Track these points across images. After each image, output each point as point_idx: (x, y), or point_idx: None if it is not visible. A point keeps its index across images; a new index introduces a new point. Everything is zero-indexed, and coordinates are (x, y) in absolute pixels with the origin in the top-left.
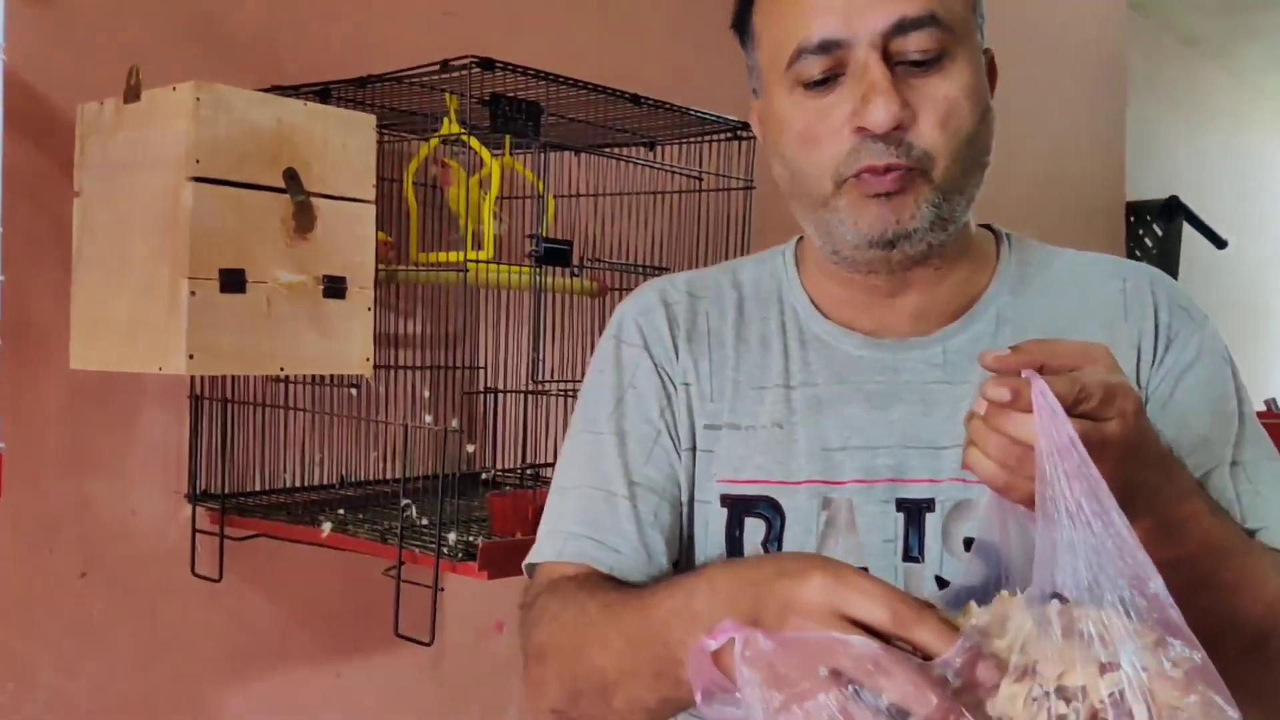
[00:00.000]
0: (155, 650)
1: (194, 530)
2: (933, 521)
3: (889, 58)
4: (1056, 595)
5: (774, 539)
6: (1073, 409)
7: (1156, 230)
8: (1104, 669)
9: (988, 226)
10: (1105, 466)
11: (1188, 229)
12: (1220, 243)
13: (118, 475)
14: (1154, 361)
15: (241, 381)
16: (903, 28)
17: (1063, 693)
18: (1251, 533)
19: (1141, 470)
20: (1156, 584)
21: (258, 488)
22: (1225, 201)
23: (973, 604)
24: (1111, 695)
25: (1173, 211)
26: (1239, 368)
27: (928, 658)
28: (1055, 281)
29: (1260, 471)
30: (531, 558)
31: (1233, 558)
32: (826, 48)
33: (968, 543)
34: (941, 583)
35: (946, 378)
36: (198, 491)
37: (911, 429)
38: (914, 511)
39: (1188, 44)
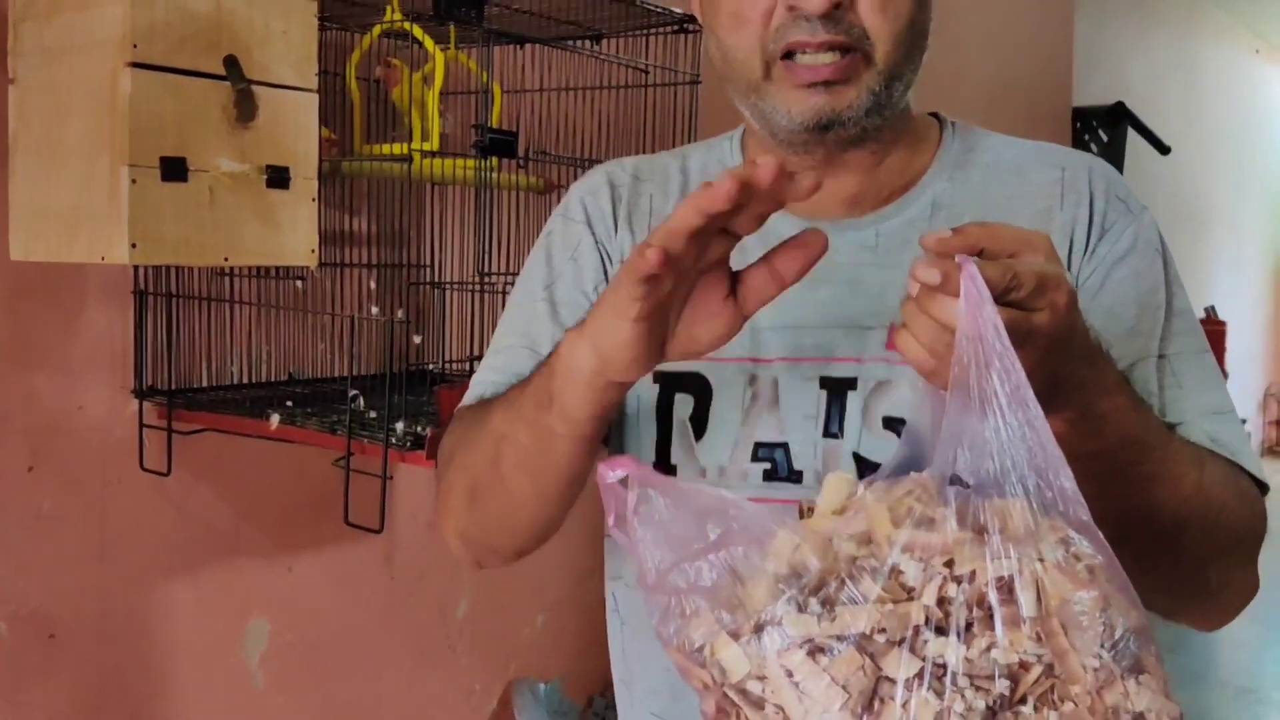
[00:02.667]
0: (105, 544)
1: (141, 425)
2: (854, 399)
3: None
4: (956, 479)
5: (701, 413)
6: (1002, 296)
7: (1102, 136)
8: (995, 557)
9: (935, 115)
10: (1030, 356)
11: (1132, 135)
12: (1164, 149)
13: (63, 370)
14: (1086, 250)
15: (186, 275)
16: None
17: (952, 576)
18: (1172, 427)
19: (1068, 363)
20: (1066, 479)
21: (205, 383)
22: (1171, 108)
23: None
24: (1000, 579)
25: (1118, 117)
26: (1176, 263)
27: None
28: (995, 168)
29: (1186, 365)
30: (460, 405)
31: (1153, 451)
32: None
33: (887, 421)
34: (859, 459)
35: (877, 260)
36: (144, 386)
37: (838, 309)
38: (836, 389)
39: None
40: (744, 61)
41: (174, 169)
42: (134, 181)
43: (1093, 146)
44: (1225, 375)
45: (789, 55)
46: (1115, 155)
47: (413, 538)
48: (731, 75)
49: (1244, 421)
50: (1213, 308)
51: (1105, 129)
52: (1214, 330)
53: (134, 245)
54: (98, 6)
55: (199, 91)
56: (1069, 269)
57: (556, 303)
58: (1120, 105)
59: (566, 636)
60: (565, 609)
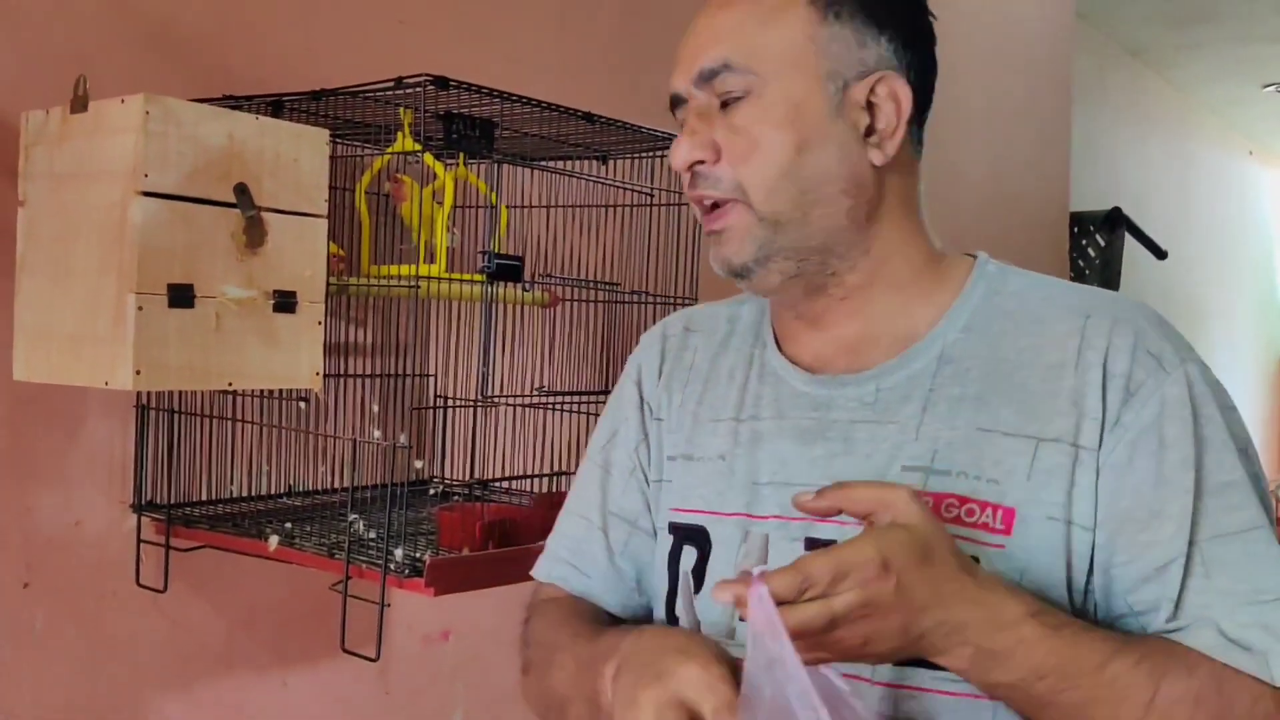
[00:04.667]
0: (98, 660)
1: (139, 540)
2: None
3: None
4: None
5: (701, 566)
6: (799, 598)
7: (1099, 240)
8: None
9: (974, 254)
10: (859, 631)
11: (1129, 239)
12: (1160, 253)
13: (61, 485)
14: (1106, 421)
15: (189, 391)
16: (705, 76)
17: None
18: (1175, 630)
19: (936, 611)
20: None
21: (203, 498)
22: (1166, 211)
23: None
24: None
25: (1115, 223)
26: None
27: None
28: (1017, 316)
29: (1222, 549)
30: (533, 571)
31: (1080, 678)
32: (676, 101)
33: None
34: None
35: (875, 416)
36: (143, 501)
37: (830, 467)
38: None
39: (1132, 54)
40: None
41: (181, 296)
42: (140, 308)
43: (1090, 251)
44: None
45: None
46: (1112, 260)
47: (409, 655)
48: None
49: None
50: None
51: (1102, 234)
52: None
53: (138, 372)
54: (110, 134)
55: (208, 219)
56: (1080, 439)
57: (610, 464)
58: (1117, 210)
59: None
60: None
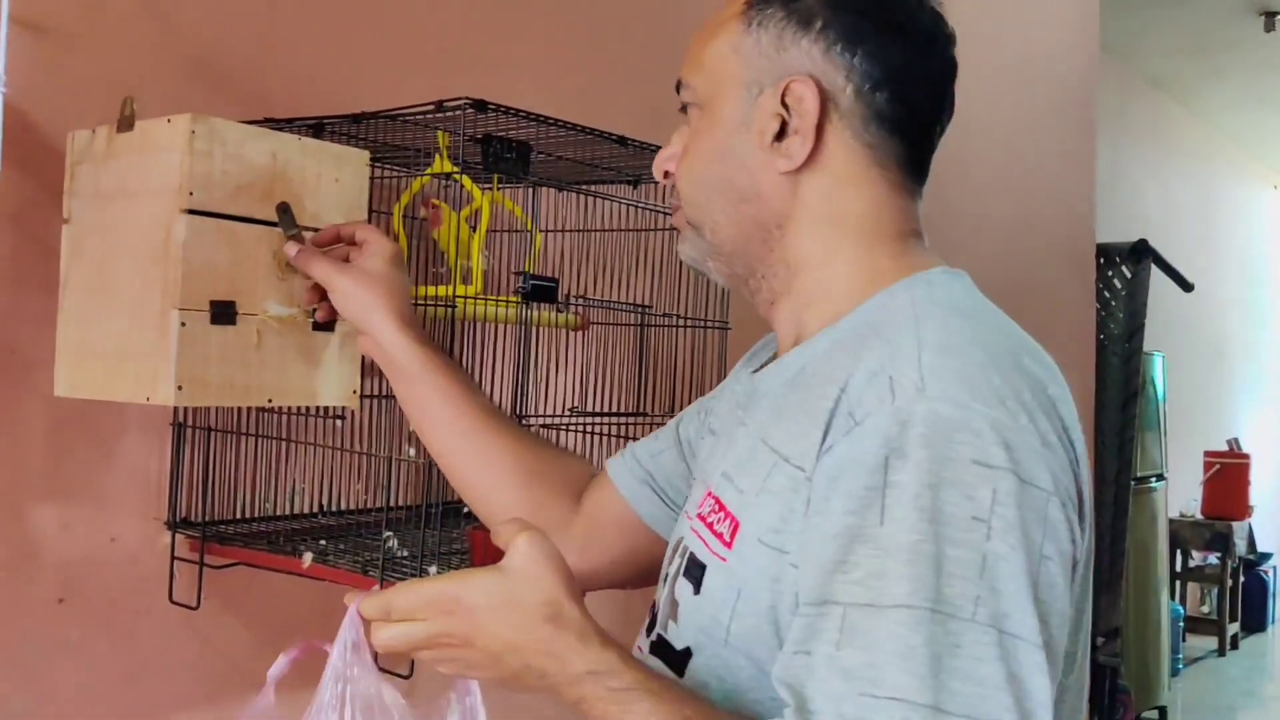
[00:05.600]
0: (131, 677)
1: (173, 557)
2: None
3: None
4: None
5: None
6: (386, 620)
7: (1125, 272)
8: None
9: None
10: (454, 653)
11: (1155, 271)
12: (1187, 286)
13: (98, 502)
14: (823, 447)
15: (225, 409)
16: (678, 89)
17: None
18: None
19: (515, 656)
20: None
21: (237, 515)
22: (1190, 242)
23: None
24: None
25: (1141, 254)
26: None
27: None
28: (856, 333)
29: (863, 622)
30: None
31: None
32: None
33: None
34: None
35: (743, 418)
36: (177, 518)
37: (710, 463)
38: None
39: (1155, 85)
40: None
41: (223, 313)
42: (183, 324)
43: (1116, 283)
44: (1250, 509)
45: None
46: (1138, 292)
47: (437, 672)
48: None
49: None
50: (1236, 440)
51: (1128, 265)
52: (1238, 464)
53: (180, 387)
54: (156, 153)
55: (251, 237)
56: (805, 464)
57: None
58: (1143, 242)
59: None
60: None
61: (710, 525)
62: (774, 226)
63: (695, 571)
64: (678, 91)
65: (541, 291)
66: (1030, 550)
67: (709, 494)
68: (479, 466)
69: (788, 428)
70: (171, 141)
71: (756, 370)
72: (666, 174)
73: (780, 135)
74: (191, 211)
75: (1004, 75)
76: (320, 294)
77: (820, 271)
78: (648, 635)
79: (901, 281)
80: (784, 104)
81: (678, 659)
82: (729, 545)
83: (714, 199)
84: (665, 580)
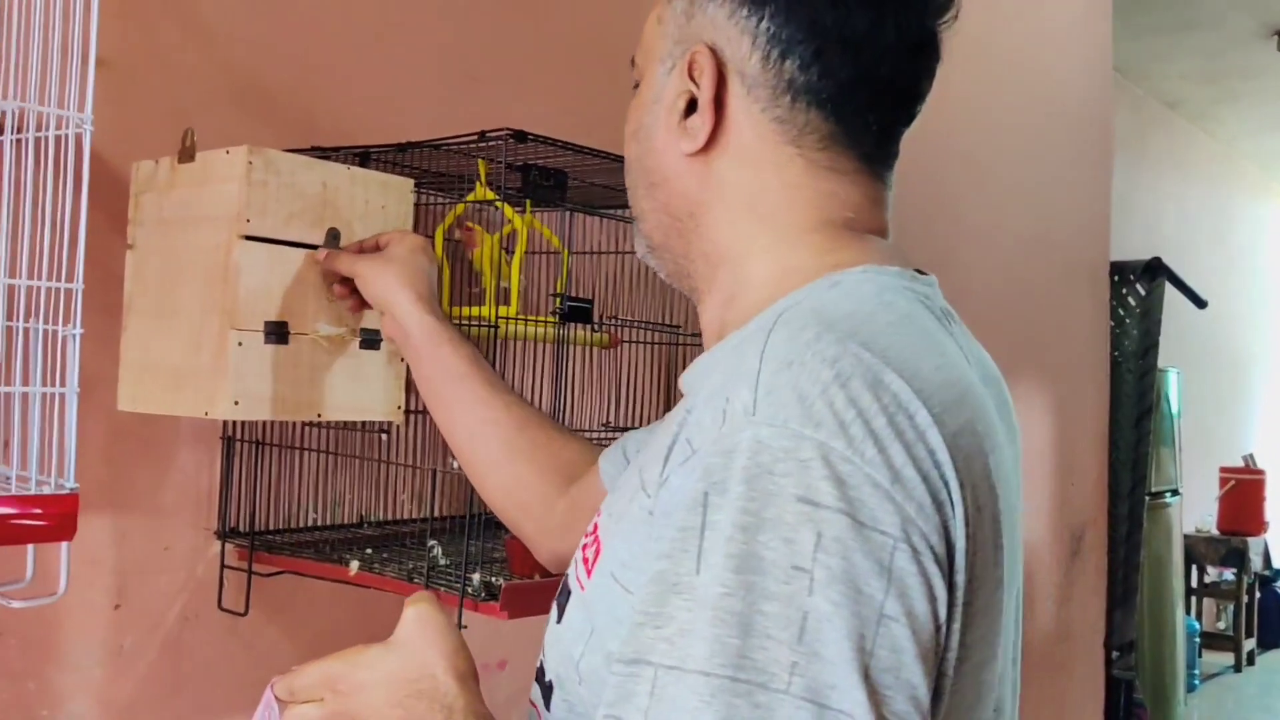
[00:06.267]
0: (180, 681)
1: (222, 565)
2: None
3: None
4: None
5: None
6: (293, 700)
7: (1140, 290)
8: None
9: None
10: None
11: (1169, 288)
12: (1200, 303)
13: (152, 512)
14: (663, 476)
15: (272, 423)
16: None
17: None
18: None
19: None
20: None
21: (283, 525)
22: (1205, 261)
23: None
24: None
25: (1155, 272)
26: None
27: None
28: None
29: (671, 686)
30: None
31: None
32: None
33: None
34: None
35: (656, 425)
36: (227, 528)
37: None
38: None
39: (1170, 107)
40: None
41: (277, 333)
42: (240, 344)
43: (1130, 300)
44: (1265, 525)
45: None
46: (1152, 309)
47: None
48: None
49: None
50: (1251, 456)
51: (1142, 283)
52: (1253, 480)
53: (237, 402)
54: (216, 183)
55: (302, 261)
56: (651, 492)
57: None
58: (1157, 260)
59: None
60: None
61: (584, 547)
62: (685, 215)
63: (563, 597)
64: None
65: (577, 312)
66: (862, 608)
67: (599, 511)
68: (473, 442)
69: (652, 449)
70: (230, 172)
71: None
72: None
73: (689, 113)
74: (248, 238)
75: (1019, 96)
76: (359, 302)
77: (740, 266)
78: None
79: (811, 283)
80: (691, 78)
81: (546, 691)
82: (589, 574)
83: (636, 185)
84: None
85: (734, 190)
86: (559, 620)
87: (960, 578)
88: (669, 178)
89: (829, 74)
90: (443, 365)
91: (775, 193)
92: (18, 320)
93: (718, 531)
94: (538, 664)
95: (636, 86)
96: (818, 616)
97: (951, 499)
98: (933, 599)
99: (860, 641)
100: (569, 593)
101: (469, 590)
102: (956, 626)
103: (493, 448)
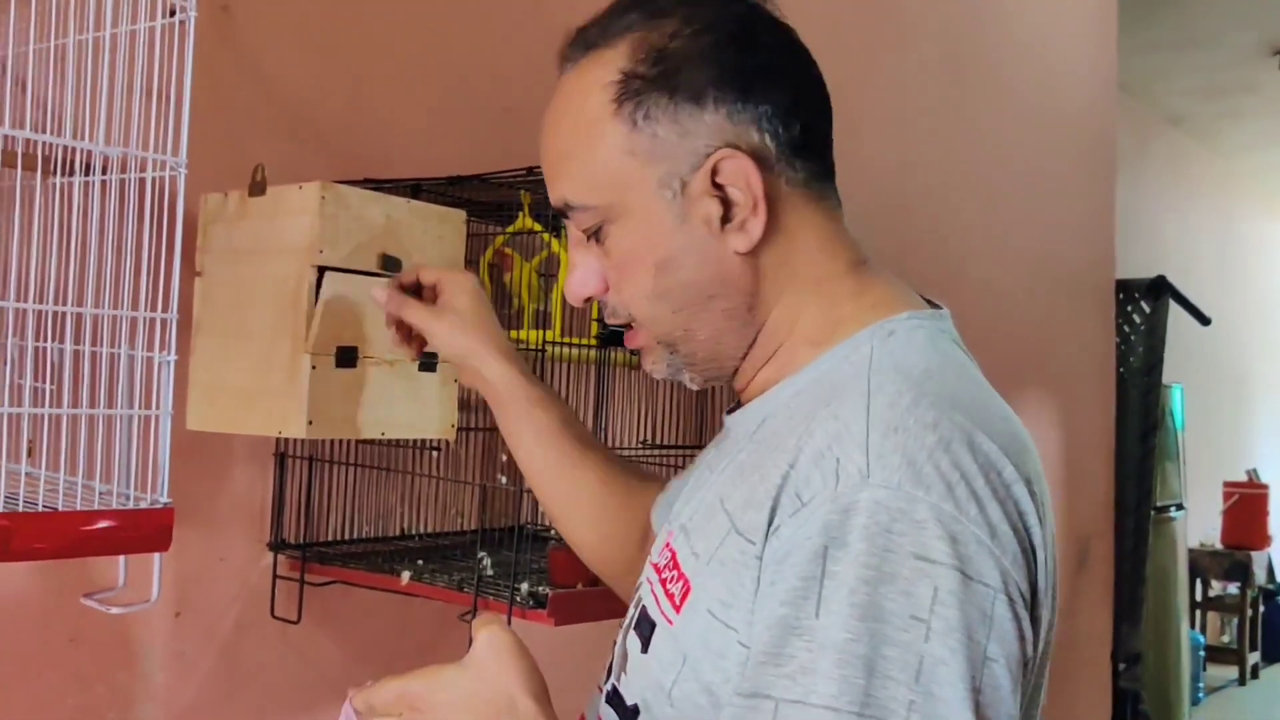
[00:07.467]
0: (236, 686)
1: (275, 576)
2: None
3: None
4: None
5: None
6: (369, 715)
7: (1145, 308)
8: None
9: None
10: None
11: (1174, 306)
12: (1204, 320)
13: (210, 525)
14: (771, 526)
15: (322, 440)
16: (563, 213)
17: None
18: None
19: None
20: None
21: (333, 537)
22: (1208, 276)
23: None
24: None
25: (1159, 290)
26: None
27: None
28: (806, 395)
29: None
30: None
31: None
32: None
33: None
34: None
35: (713, 460)
36: (279, 540)
37: (678, 504)
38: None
39: (1174, 125)
40: None
41: (347, 357)
42: (314, 367)
43: (1135, 318)
44: (1269, 539)
45: None
46: (1157, 327)
47: None
48: None
49: None
50: (1255, 470)
51: (1147, 301)
52: (1256, 494)
53: (310, 422)
54: (288, 216)
55: (367, 289)
56: (756, 539)
57: None
58: (1161, 279)
59: None
60: None
61: (664, 582)
62: (745, 310)
63: (645, 629)
64: (564, 217)
65: (616, 337)
66: (972, 653)
67: (667, 544)
68: (561, 501)
69: (743, 494)
70: (303, 205)
71: (730, 409)
72: (588, 299)
73: (725, 217)
74: (320, 268)
75: (1024, 115)
76: (418, 341)
77: (790, 330)
78: (606, 680)
79: (864, 331)
80: (715, 184)
81: (627, 714)
82: (678, 609)
83: (681, 309)
84: (623, 628)
85: (785, 267)
86: (644, 650)
87: (1044, 613)
88: (726, 282)
89: (806, 121)
90: (534, 425)
91: (814, 252)
92: (114, 346)
93: (839, 581)
94: (607, 687)
95: (596, 234)
96: (933, 660)
97: (1033, 545)
98: (1023, 639)
99: (971, 682)
100: (653, 624)
101: (517, 599)
102: (1035, 656)
103: (583, 508)
